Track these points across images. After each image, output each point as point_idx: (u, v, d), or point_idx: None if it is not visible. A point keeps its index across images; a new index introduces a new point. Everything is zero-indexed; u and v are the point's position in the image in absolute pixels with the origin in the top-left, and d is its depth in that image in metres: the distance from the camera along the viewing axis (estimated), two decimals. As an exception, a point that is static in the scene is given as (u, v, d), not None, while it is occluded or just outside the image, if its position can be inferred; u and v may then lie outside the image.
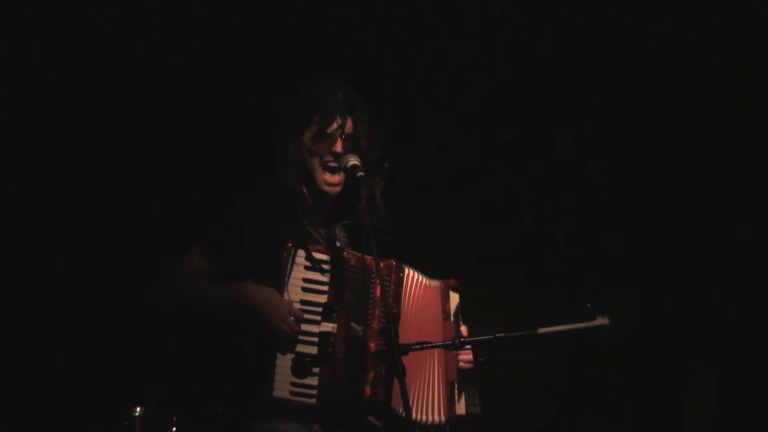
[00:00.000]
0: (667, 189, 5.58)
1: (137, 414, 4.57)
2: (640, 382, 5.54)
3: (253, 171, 3.99)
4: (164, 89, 5.28)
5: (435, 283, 3.77)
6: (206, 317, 3.79)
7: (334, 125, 3.65)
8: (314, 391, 3.47)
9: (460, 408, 3.80)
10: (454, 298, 3.84)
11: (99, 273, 5.11)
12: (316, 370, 3.47)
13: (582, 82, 5.62)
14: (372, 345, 3.50)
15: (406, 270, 3.64)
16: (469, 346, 3.76)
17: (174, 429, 4.63)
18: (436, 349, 3.67)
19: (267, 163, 3.73)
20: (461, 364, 3.81)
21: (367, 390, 3.47)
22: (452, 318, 3.79)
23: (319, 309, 3.51)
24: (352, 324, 3.51)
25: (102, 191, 5.22)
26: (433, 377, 3.68)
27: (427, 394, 3.66)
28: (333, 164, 3.64)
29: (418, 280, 3.69)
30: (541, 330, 3.61)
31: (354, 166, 3.59)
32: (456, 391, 3.77)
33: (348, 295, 3.53)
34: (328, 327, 3.49)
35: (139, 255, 5.01)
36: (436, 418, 3.68)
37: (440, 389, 3.70)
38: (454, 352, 3.73)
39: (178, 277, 3.60)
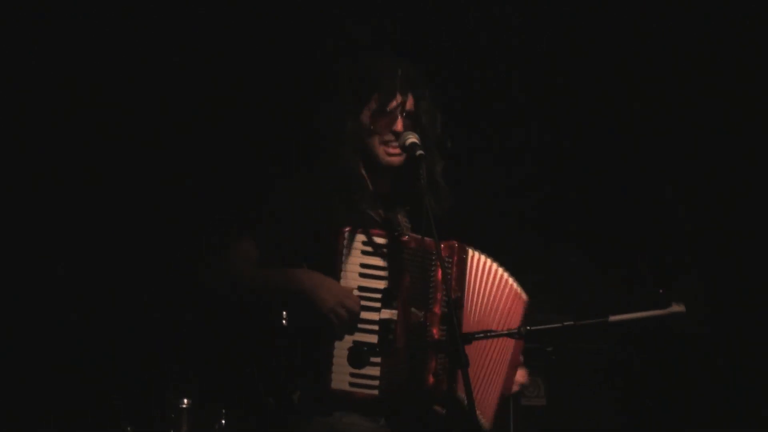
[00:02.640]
0: (745, 161, 5.47)
1: (185, 406, 4.58)
2: (718, 372, 5.42)
3: (296, 153, 3.79)
4: (164, 89, 5.30)
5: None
6: (258, 305, 3.64)
7: (395, 102, 3.49)
8: (376, 382, 3.34)
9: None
10: None
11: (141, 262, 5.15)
12: (376, 359, 3.34)
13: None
14: (435, 331, 3.39)
15: (470, 252, 3.51)
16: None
17: (223, 422, 4.60)
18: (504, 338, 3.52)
19: (311, 144, 3.59)
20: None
21: (430, 379, 3.37)
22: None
23: (378, 295, 3.38)
24: (414, 310, 3.39)
25: (103, 191, 5.25)
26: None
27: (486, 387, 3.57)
28: (393, 143, 3.50)
29: (484, 262, 3.55)
30: (613, 318, 3.40)
31: (413, 144, 3.42)
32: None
33: (408, 280, 3.40)
34: (388, 314, 3.37)
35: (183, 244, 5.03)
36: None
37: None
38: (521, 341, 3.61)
39: (228, 263, 3.46)
